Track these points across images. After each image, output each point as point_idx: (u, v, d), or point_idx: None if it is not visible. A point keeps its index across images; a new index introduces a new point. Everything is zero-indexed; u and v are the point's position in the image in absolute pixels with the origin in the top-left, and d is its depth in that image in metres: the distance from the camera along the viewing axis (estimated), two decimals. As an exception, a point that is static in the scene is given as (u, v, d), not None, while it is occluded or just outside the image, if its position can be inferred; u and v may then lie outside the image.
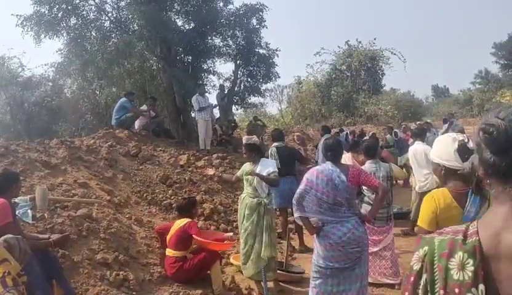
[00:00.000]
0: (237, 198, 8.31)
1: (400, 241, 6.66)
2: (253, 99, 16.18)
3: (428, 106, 54.55)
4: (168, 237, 5.11)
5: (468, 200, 2.33)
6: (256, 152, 5.36)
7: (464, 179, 2.38)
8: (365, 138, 13.93)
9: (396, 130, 14.66)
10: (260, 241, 5.09)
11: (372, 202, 4.95)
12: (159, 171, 8.14)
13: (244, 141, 5.70)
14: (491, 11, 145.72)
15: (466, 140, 2.41)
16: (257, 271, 5.07)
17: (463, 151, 2.38)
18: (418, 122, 21.21)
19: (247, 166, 5.35)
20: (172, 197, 7.30)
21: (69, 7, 11.52)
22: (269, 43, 14.76)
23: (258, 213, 5.12)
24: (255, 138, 5.58)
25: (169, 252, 5.03)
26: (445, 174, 2.44)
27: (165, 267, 5.06)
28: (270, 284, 5.18)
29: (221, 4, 13.73)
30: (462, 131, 9.95)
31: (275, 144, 6.95)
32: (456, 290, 1.05)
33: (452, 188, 2.40)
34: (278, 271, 5.33)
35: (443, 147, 2.45)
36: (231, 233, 5.67)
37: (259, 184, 5.17)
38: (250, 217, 5.17)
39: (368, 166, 5.48)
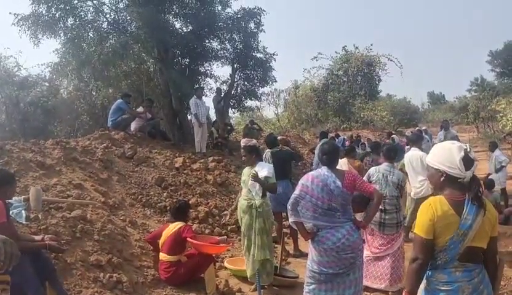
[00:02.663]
0: (232, 202, 8.33)
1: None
2: (250, 103, 16.21)
3: (423, 113, 54.75)
4: (161, 241, 5.04)
5: (465, 207, 2.33)
6: (256, 154, 5.40)
7: (462, 187, 2.39)
8: (360, 143, 13.97)
9: (393, 136, 14.71)
10: (254, 243, 5.10)
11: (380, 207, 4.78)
12: (155, 173, 8.12)
13: (242, 144, 5.71)
14: (487, 19, 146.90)
15: (469, 149, 2.43)
16: (253, 272, 5.08)
17: (467, 160, 2.39)
18: (412, 129, 21.34)
19: (246, 170, 5.38)
20: (167, 200, 7.29)
21: (67, 7, 11.43)
22: (267, 48, 14.78)
23: (251, 215, 5.15)
24: (254, 141, 5.60)
25: (163, 256, 4.96)
26: (444, 181, 2.44)
27: (159, 271, 5.02)
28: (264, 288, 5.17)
29: (219, 8, 13.69)
30: (454, 138, 10.03)
31: (270, 149, 6.95)
32: None
33: (449, 195, 2.40)
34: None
35: (447, 154, 2.44)
36: (225, 237, 5.66)
37: (253, 186, 5.17)
38: (243, 220, 5.28)
39: (383, 167, 5.38)
